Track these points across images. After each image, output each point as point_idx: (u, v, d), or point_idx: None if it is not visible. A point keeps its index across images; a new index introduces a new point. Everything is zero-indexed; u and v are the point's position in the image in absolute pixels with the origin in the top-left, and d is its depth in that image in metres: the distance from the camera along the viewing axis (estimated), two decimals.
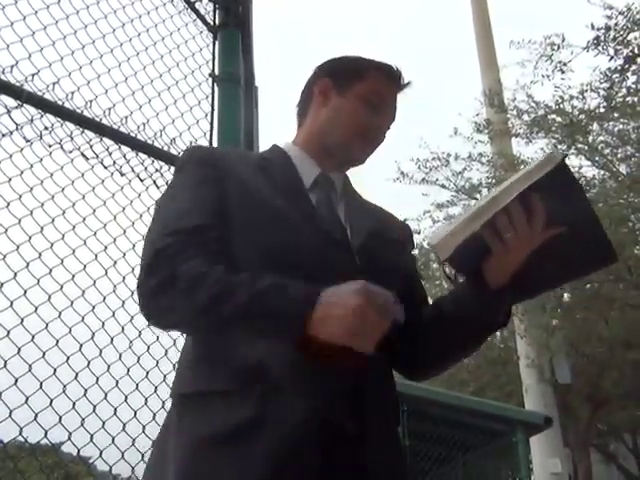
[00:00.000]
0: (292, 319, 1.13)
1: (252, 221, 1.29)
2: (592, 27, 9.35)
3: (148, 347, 2.28)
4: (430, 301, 1.54)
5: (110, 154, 2.24)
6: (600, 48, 9.42)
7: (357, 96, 1.48)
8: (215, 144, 2.65)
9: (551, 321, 11.43)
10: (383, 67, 1.52)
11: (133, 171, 2.28)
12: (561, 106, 10.57)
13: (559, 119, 10.71)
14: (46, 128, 2.13)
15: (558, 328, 11.48)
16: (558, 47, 10.07)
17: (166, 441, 1.23)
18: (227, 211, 1.30)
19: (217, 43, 2.92)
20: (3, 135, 2.03)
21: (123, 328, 2.22)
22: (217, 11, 3.04)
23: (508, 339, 13.89)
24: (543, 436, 9.62)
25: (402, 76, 1.54)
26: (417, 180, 12.35)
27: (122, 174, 2.25)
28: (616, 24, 9.43)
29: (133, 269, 2.22)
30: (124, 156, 2.26)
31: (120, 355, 2.21)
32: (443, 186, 12.45)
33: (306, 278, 1.19)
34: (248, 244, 1.28)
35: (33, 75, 2.12)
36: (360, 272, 1.26)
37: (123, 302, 2.20)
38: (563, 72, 10.19)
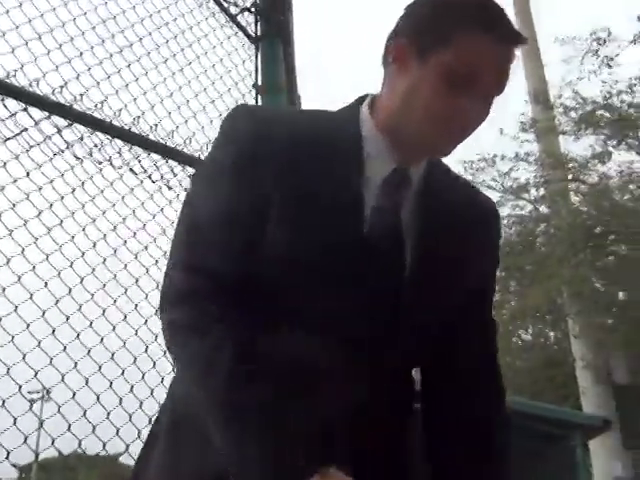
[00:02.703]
0: None
1: (290, 219, 1.08)
2: (639, 19, 9.15)
3: None
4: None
5: (158, 168, 2.28)
6: None
7: (439, 67, 1.08)
8: None
9: (606, 320, 11.19)
10: (477, 23, 1.08)
11: (181, 185, 2.32)
12: (609, 101, 10.38)
13: (607, 114, 10.51)
14: (95, 145, 2.18)
15: (614, 328, 11.23)
16: (604, 41, 9.90)
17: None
18: (265, 207, 1.08)
19: (259, 54, 2.95)
20: (55, 154, 2.08)
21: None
22: (258, 22, 3.07)
23: (562, 340, 13.65)
24: (603, 439, 9.40)
25: (511, 27, 1.13)
26: None
27: (170, 188, 2.29)
28: None
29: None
30: (172, 170, 2.30)
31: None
32: (490, 187, 12.32)
33: (335, 299, 1.07)
34: (280, 244, 1.08)
35: (82, 95, 2.17)
36: (398, 304, 1.11)
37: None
38: (610, 67, 10.02)
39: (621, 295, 11.91)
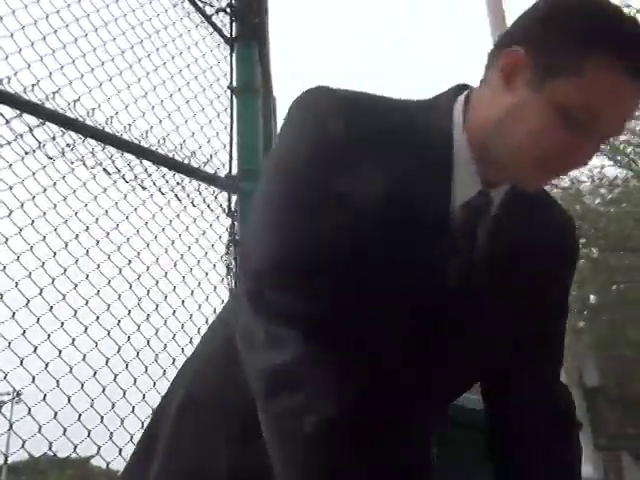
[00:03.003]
0: None
1: (349, 261, 0.91)
2: None
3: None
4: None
5: (132, 169, 2.26)
6: None
7: (560, 97, 0.90)
8: (235, 155, 2.66)
9: (577, 323, 11.33)
10: (622, 57, 0.88)
11: (154, 184, 2.30)
12: None
13: None
14: (68, 145, 2.15)
15: (585, 330, 11.37)
16: None
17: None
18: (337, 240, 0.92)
19: (234, 55, 2.94)
20: (26, 153, 2.06)
21: (148, 341, 2.23)
22: (233, 23, 3.06)
23: None
24: None
25: None
26: None
27: (144, 188, 2.27)
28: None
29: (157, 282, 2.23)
30: (145, 170, 2.28)
31: (146, 368, 2.22)
32: None
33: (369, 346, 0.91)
34: (327, 281, 0.91)
35: (54, 93, 2.15)
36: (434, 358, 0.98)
37: (148, 316, 2.21)
38: None
39: (592, 299, 12.08)
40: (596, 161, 10.80)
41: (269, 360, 0.88)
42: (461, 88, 1.04)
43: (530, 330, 1.08)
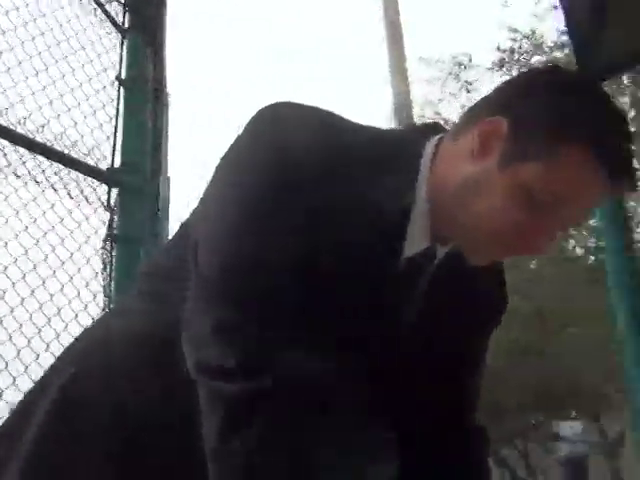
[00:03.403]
0: None
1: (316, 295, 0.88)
2: (498, 49, 9.77)
3: None
4: None
5: (5, 155, 2.17)
6: (505, 69, 9.83)
7: (522, 178, 0.88)
8: (118, 149, 2.61)
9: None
10: (600, 147, 0.86)
11: (30, 174, 2.22)
12: None
13: None
14: None
15: None
16: (465, 67, 10.46)
17: None
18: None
19: (125, 45, 2.88)
20: None
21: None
22: (126, 13, 3.00)
23: None
24: None
25: (631, 169, 0.89)
26: None
27: (18, 176, 2.19)
28: (520, 47, 9.88)
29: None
30: (20, 158, 2.20)
31: (18, 352, 2.15)
32: None
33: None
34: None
35: None
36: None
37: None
38: (469, 91, 10.58)
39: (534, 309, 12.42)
40: None
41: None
42: (434, 128, 1.02)
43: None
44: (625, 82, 9.27)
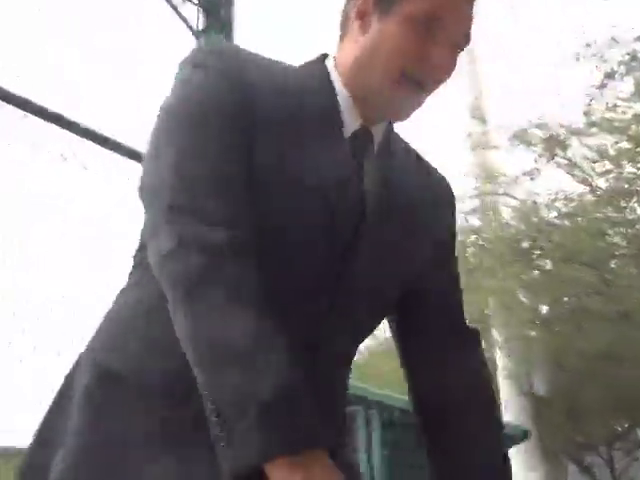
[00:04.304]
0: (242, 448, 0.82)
1: (267, 182, 0.99)
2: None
3: None
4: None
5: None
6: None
7: (401, 16, 1.04)
8: None
9: (530, 333, 11.48)
10: None
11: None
12: (542, 119, 10.69)
13: (540, 133, 10.82)
14: None
15: (537, 340, 11.53)
16: None
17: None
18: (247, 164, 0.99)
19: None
20: None
21: None
22: (199, 15, 3.02)
23: (486, 350, 13.93)
24: (522, 449, 9.62)
25: None
26: None
27: None
28: (595, 41, 9.57)
29: None
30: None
31: None
32: None
33: (284, 257, 1.00)
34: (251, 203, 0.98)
35: None
36: (341, 264, 1.05)
37: None
38: None
39: (544, 310, 12.22)
40: (552, 173, 10.98)
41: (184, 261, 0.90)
42: (325, 55, 1.17)
43: (421, 267, 1.18)
44: None
